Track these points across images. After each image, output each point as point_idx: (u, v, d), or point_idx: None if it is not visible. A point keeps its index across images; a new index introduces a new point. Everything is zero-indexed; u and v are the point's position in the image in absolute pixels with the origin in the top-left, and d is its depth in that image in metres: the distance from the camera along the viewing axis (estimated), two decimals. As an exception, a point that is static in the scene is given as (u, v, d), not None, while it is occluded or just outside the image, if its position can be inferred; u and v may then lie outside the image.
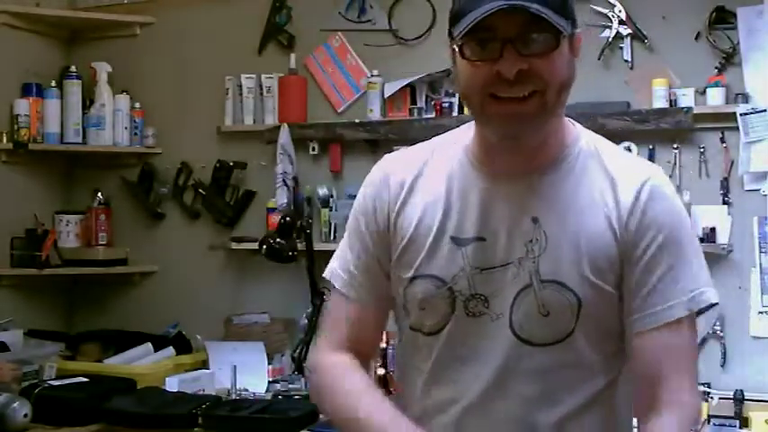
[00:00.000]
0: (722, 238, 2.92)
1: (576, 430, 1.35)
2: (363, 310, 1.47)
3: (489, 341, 1.35)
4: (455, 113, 3.20)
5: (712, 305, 1.38)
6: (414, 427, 1.35)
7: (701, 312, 1.37)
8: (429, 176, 1.42)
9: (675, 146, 2.98)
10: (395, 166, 1.46)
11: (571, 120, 1.42)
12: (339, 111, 3.44)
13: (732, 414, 2.69)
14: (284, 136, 3.35)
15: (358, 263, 1.46)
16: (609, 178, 1.35)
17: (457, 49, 1.28)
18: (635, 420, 1.41)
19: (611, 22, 3.04)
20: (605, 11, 3.05)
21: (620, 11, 3.03)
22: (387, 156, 1.53)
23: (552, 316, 1.32)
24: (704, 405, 2.78)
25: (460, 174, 1.39)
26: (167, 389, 3.04)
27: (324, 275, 1.52)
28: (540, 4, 1.21)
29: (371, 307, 1.47)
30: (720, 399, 2.79)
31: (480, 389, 1.36)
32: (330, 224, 3.29)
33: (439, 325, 1.38)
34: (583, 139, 1.39)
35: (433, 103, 3.25)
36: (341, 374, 1.45)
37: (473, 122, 1.40)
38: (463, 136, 1.44)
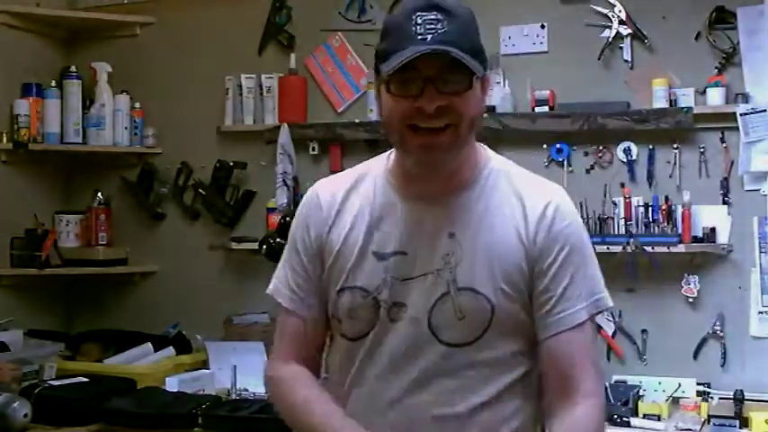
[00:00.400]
0: (722, 238, 2.92)
1: (490, 417, 1.50)
2: (307, 323, 1.61)
3: (410, 343, 1.49)
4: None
5: (608, 308, 1.56)
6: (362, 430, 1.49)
7: (598, 314, 1.55)
8: (355, 199, 1.57)
9: (675, 146, 2.98)
10: (326, 189, 1.62)
11: (482, 145, 1.58)
12: (339, 111, 3.44)
13: (732, 414, 2.69)
14: (284, 136, 3.35)
15: (298, 279, 1.61)
16: (518, 197, 1.52)
17: (383, 85, 1.45)
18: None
19: (611, 22, 3.04)
20: (605, 11, 3.05)
21: (620, 11, 3.03)
22: (320, 180, 1.68)
23: (468, 319, 1.47)
24: (704, 405, 2.78)
25: (383, 196, 1.55)
26: (167, 389, 3.04)
27: (267, 291, 1.65)
28: (458, 50, 1.38)
29: (314, 319, 1.61)
30: (720, 399, 2.79)
31: (402, 387, 1.50)
32: (330, 224, 3.29)
33: (364, 331, 1.53)
34: (492, 162, 1.56)
35: (432, 103, 3.25)
36: (292, 386, 1.59)
37: (393, 150, 1.57)
38: (385, 162, 1.60)
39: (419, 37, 1.38)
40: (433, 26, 1.39)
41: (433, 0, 1.41)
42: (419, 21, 1.39)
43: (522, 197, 1.51)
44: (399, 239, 1.51)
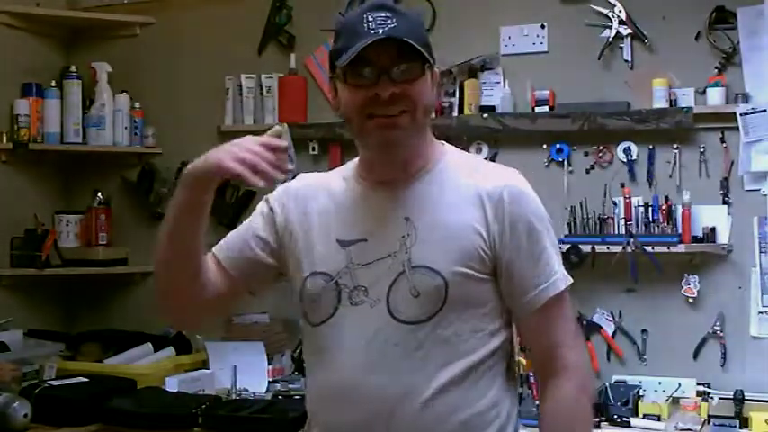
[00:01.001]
0: (722, 238, 2.92)
1: (457, 397, 1.53)
2: (219, 269, 1.69)
3: (370, 324, 1.55)
4: (455, 113, 3.20)
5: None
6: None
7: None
8: (324, 194, 1.67)
9: (675, 146, 2.98)
10: (302, 180, 1.73)
11: (442, 142, 1.68)
12: (339, 111, 3.44)
13: (732, 414, 2.69)
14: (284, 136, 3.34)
15: (236, 236, 1.72)
16: (474, 182, 1.58)
17: (341, 76, 1.55)
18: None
19: (611, 22, 3.04)
20: (605, 11, 3.05)
21: (620, 11, 3.03)
22: (301, 174, 1.76)
23: (423, 296, 1.53)
24: (704, 405, 2.78)
25: (347, 188, 1.66)
26: (167, 389, 3.05)
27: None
28: (409, 39, 1.49)
29: (230, 271, 1.69)
30: (720, 399, 2.79)
31: (363, 366, 1.54)
32: (330, 224, 3.30)
33: (326, 315, 1.59)
34: (450, 154, 1.66)
35: (432, 103, 3.26)
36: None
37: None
38: (353, 162, 1.71)
39: (371, 32, 1.48)
40: (383, 22, 1.49)
41: (382, 2, 1.54)
42: (370, 19, 1.50)
43: (477, 182, 1.58)
44: (360, 226, 1.60)
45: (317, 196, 1.68)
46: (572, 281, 1.61)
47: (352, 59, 1.49)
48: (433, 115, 3.10)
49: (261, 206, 1.73)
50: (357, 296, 1.57)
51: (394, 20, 1.50)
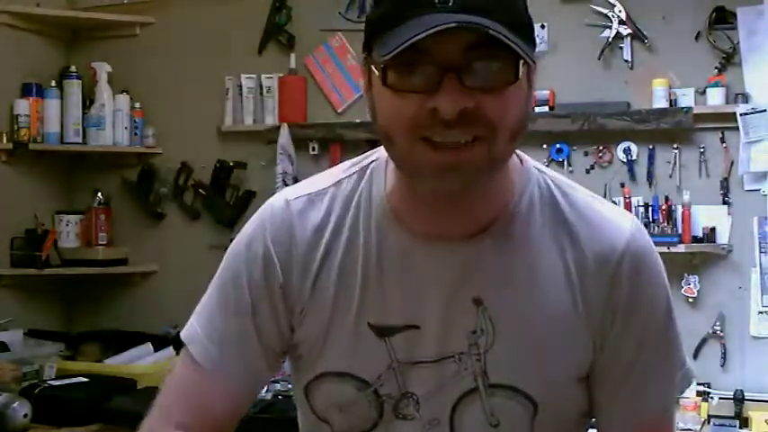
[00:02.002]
0: (722, 238, 2.92)
1: None
2: (221, 387, 1.12)
3: None
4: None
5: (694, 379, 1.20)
6: None
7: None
8: (346, 237, 1.08)
9: (675, 146, 2.98)
10: (307, 216, 1.10)
11: (518, 153, 1.10)
12: (339, 111, 3.44)
13: (732, 414, 2.69)
14: (284, 136, 3.35)
15: (228, 329, 1.11)
16: (571, 238, 1.06)
17: (379, 71, 0.96)
18: None
19: (611, 22, 3.04)
20: (605, 11, 3.05)
21: (620, 11, 3.03)
22: (289, 195, 1.13)
23: (503, 427, 1.07)
24: (704, 405, 2.78)
25: (380, 234, 1.07)
26: (167, 389, 3.04)
27: (181, 335, 1.18)
28: (497, 23, 0.90)
29: (233, 387, 1.13)
30: (720, 399, 2.79)
31: None
32: (330, 224, 3.29)
33: (361, 428, 1.10)
34: (533, 182, 1.09)
35: (433, 103, 3.24)
36: None
37: (386, 161, 1.09)
38: (381, 181, 1.09)
39: (436, 0, 0.91)
40: None
41: None
42: None
43: (578, 239, 1.06)
44: (406, 305, 1.05)
45: (332, 248, 1.08)
46: (692, 380, 1.15)
47: (404, 47, 0.90)
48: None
49: (245, 265, 1.12)
50: (406, 407, 1.07)
51: None
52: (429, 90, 0.93)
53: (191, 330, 1.15)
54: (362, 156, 1.14)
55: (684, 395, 2.85)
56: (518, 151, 1.09)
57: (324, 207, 1.10)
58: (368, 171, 1.11)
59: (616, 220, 1.09)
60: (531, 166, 1.11)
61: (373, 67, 0.98)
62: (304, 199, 1.12)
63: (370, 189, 1.09)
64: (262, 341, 1.11)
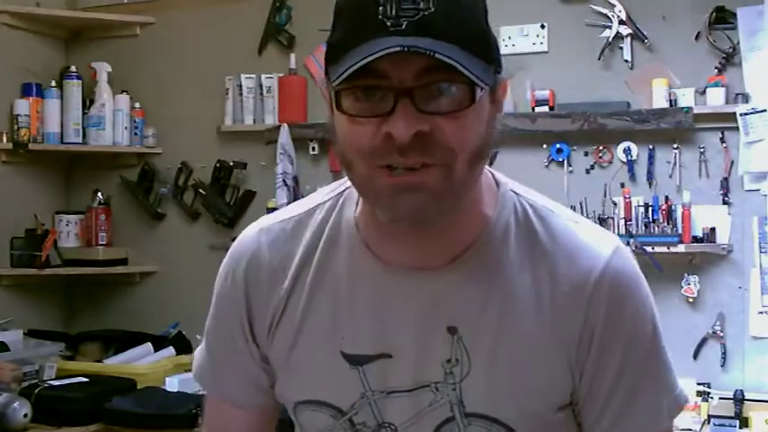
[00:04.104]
0: (722, 238, 2.92)
1: None
2: (234, 411, 1.17)
3: None
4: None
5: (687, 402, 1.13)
6: None
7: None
8: (317, 265, 1.07)
9: (675, 146, 2.98)
10: (274, 248, 1.10)
11: (489, 171, 1.06)
12: (339, 111, 3.44)
13: (732, 414, 2.69)
14: (284, 136, 3.35)
15: (227, 359, 1.16)
16: (551, 265, 1.02)
17: (333, 98, 0.94)
18: None
19: (611, 22, 3.04)
20: (605, 11, 3.05)
21: (620, 11, 3.03)
22: (263, 224, 1.15)
23: None
24: (704, 405, 2.78)
25: (351, 263, 1.05)
26: (167, 389, 3.04)
27: (192, 375, 1.24)
28: (451, 44, 0.88)
29: (246, 410, 1.17)
30: (720, 399, 2.79)
31: None
32: (330, 224, 3.29)
33: None
34: (509, 207, 1.05)
35: (433, 103, 3.24)
36: None
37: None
38: (353, 206, 1.08)
39: (389, 22, 0.88)
40: (411, 6, 0.89)
41: None
42: None
43: (556, 265, 1.02)
44: (379, 334, 1.03)
45: (301, 278, 1.07)
46: (684, 404, 1.10)
47: (354, 70, 0.89)
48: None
49: (228, 299, 1.15)
50: None
51: (429, 1, 0.89)
52: (383, 114, 0.90)
53: (197, 363, 1.21)
54: (342, 180, 1.11)
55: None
56: (495, 173, 1.08)
57: (295, 235, 1.10)
58: (342, 198, 1.10)
59: (595, 245, 1.04)
60: (508, 189, 1.07)
61: (333, 91, 0.94)
62: (276, 228, 1.12)
63: (341, 217, 1.08)
64: (256, 363, 1.13)
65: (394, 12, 0.88)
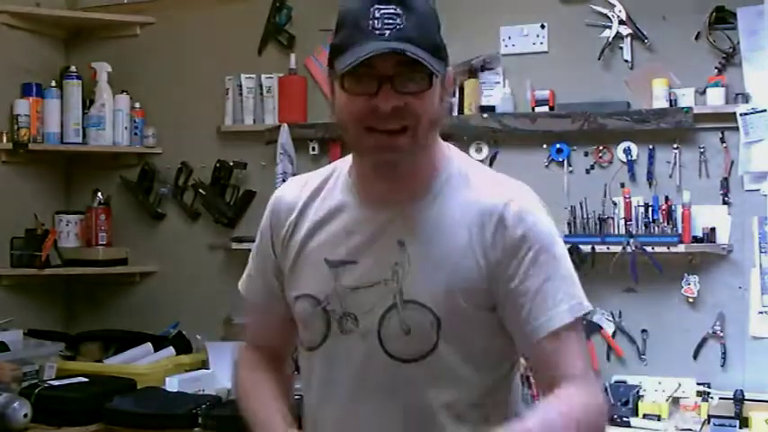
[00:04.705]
0: (722, 238, 2.92)
1: None
2: (264, 312, 1.63)
3: (361, 357, 1.44)
4: (455, 113, 3.20)
5: (589, 311, 1.44)
6: (285, 427, 1.49)
7: (584, 317, 1.43)
8: (318, 203, 1.53)
9: (675, 146, 2.98)
10: (290, 192, 1.58)
11: (448, 145, 1.51)
12: (339, 111, 3.44)
13: (732, 414, 2.69)
14: (284, 136, 3.35)
15: (257, 269, 1.62)
16: (475, 202, 1.43)
17: (338, 79, 1.39)
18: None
19: (611, 22, 3.04)
20: (605, 11, 3.05)
21: (620, 11, 3.03)
22: (291, 178, 1.69)
23: (413, 334, 1.41)
24: (704, 405, 2.78)
25: (340, 200, 1.51)
26: (167, 389, 3.05)
27: (239, 287, 1.69)
28: (417, 47, 1.33)
29: (271, 310, 1.60)
30: (720, 399, 2.79)
31: (354, 403, 1.45)
32: (330, 224, 3.30)
33: (317, 341, 1.49)
34: (454, 164, 1.48)
35: (433, 103, 3.25)
36: (246, 372, 1.66)
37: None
38: (347, 162, 1.55)
39: (376, 32, 1.33)
40: (391, 21, 1.33)
41: None
42: (377, 14, 1.34)
43: (479, 201, 1.42)
44: (350, 246, 1.46)
45: (306, 211, 1.53)
46: (585, 310, 1.41)
47: (356, 64, 1.34)
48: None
49: (262, 235, 1.61)
50: (346, 324, 1.45)
51: (403, 18, 1.33)
52: (371, 93, 1.35)
53: (242, 280, 1.67)
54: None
55: (684, 395, 2.86)
56: (451, 146, 1.52)
57: (306, 183, 1.57)
58: (344, 161, 1.56)
59: (510, 185, 1.47)
60: (456, 156, 1.51)
61: (335, 76, 1.41)
62: (296, 179, 1.63)
63: (341, 171, 1.54)
64: (274, 274, 1.57)
65: (380, 25, 1.34)
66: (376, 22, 1.34)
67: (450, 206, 1.44)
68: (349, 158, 1.54)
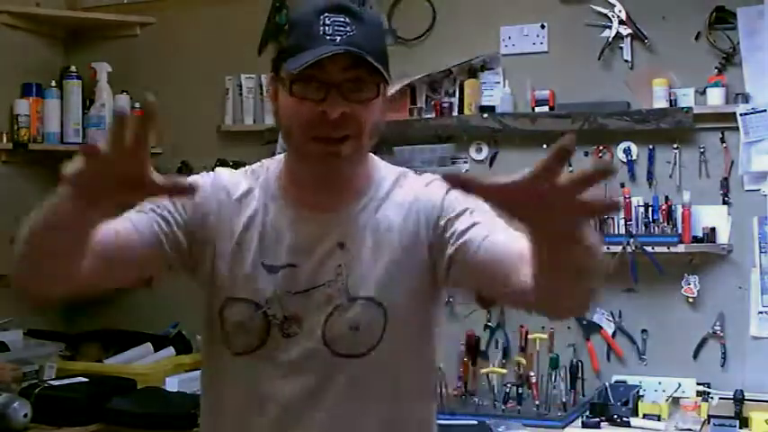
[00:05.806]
0: (722, 238, 2.92)
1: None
2: (132, 234, 1.41)
3: (305, 358, 1.44)
4: (455, 113, 3.20)
5: None
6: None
7: None
8: (251, 200, 1.49)
9: (675, 146, 2.98)
10: (231, 177, 1.52)
11: (373, 156, 1.54)
12: (339, 111, 3.44)
13: (732, 414, 2.69)
14: (284, 136, 3.34)
15: (161, 209, 1.44)
16: (408, 196, 1.47)
17: (285, 83, 1.39)
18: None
19: (611, 22, 3.04)
20: (605, 11, 3.05)
21: (620, 11, 3.03)
22: (222, 169, 1.57)
23: (362, 329, 1.43)
24: (704, 405, 2.78)
25: (274, 203, 1.48)
26: (167, 389, 3.04)
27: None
28: (367, 53, 1.34)
29: (134, 245, 1.42)
30: (720, 399, 2.79)
31: (299, 401, 1.44)
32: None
33: (252, 345, 1.46)
34: (384, 171, 1.52)
35: (432, 103, 3.25)
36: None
37: (283, 155, 1.52)
38: (279, 165, 1.52)
39: (327, 37, 1.35)
40: (341, 28, 1.36)
41: (342, 2, 1.39)
42: (327, 21, 1.36)
43: (411, 195, 1.47)
44: (289, 251, 1.45)
45: (244, 209, 1.48)
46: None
47: (306, 66, 1.34)
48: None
49: (202, 182, 1.49)
50: (290, 327, 1.44)
51: (353, 26, 1.36)
52: (319, 99, 1.36)
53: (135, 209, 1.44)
54: (267, 159, 1.58)
55: (684, 395, 2.86)
56: (385, 162, 1.55)
57: (240, 175, 1.54)
58: (278, 159, 1.54)
59: (427, 178, 1.50)
60: (391, 169, 1.53)
61: (280, 79, 1.41)
62: (235, 172, 1.56)
63: (269, 173, 1.52)
64: (179, 227, 1.45)
65: (331, 31, 1.36)
66: (327, 28, 1.36)
67: (385, 207, 1.47)
68: (276, 161, 1.53)
